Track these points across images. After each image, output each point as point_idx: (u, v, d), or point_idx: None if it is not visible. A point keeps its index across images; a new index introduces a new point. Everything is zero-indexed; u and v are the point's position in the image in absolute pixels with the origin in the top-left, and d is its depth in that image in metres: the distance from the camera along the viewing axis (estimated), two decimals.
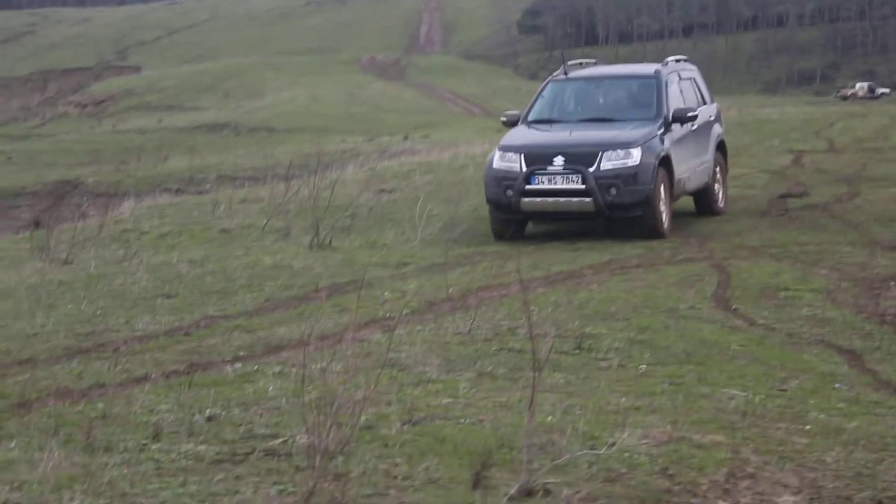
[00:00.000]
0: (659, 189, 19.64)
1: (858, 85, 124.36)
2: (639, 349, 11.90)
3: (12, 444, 8.62)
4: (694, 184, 21.67)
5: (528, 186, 19.63)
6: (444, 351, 11.82)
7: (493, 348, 11.93)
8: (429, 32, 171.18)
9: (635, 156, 19.43)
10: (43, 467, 7.87)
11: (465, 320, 13.18)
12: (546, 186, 19.63)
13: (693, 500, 7.43)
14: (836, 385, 11.20)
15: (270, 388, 10.29)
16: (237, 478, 7.74)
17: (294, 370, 10.72)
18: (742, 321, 13.82)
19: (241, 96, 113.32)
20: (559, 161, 19.54)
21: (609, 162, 19.41)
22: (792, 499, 7.69)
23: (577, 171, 19.39)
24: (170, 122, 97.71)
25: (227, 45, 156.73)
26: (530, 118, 21.59)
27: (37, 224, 32.96)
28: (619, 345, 12.02)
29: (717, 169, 22.81)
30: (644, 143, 19.67)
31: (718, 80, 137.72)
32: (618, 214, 19.70)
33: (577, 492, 7.34)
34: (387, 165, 39.93)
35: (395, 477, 7.70)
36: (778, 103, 79.81)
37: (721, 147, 23.38)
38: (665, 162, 20.01)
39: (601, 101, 21.90)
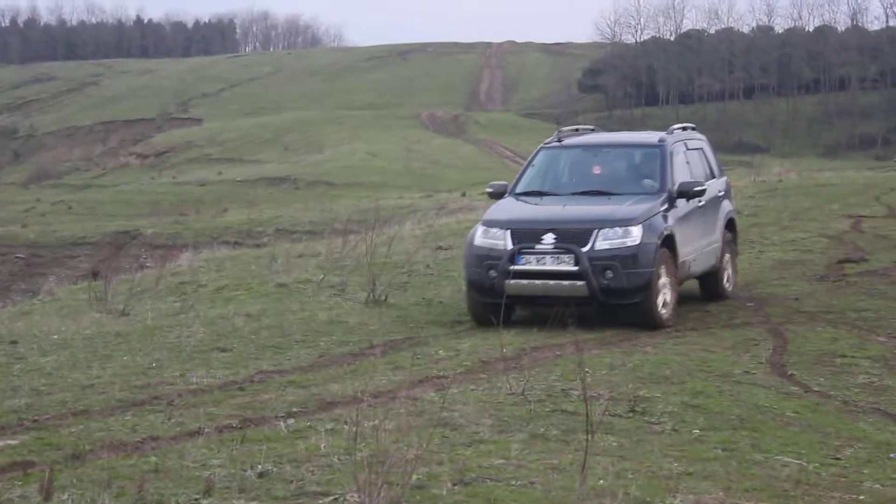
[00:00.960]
0: (661, 273, 17.54)
1: None
2: (692, 414, 11.86)
3: (65, 496, 8.66)
4: (700, 266, 19.59)
5: (513, 267, 17.37)
6: (496, 411, 11.82)
7: (547, 409, 11.91)
8: (489, 89, 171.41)
9: (635, 235, 17.25)
10: None
11: (519, 380, 13.17)
12: (534, 267, 17.36)
13: None
14: (892, 455, 11.11)
15: (322, 445, 10.30)
16: None
17: (347, 427, 10.74)
18: (797, 387, 13.74)
19: (301, 150, 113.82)
20: (549, 239, 17.31)
21: (605, 241, 17.20)
22: None
23: (569, 251, 17.21)
24: (229, 175, 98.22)
25: (288, 98, 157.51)
26: (518, 189, 19.37)
27: (95, 274, 33.15)
28: (672, 409, 11.98)
29: (726, 250, 20.70)
30: (645, 221, 17.46)
31: (779, 142, 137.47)
32: (614, 301, 17.38)
33: None
34: (444, 222, 40.04)
35: None
36: (838, 167, 79.70)
37: (731, 225, 21.21)
38: (668, 242, 17.87)
39: (599, 172, 19.39)
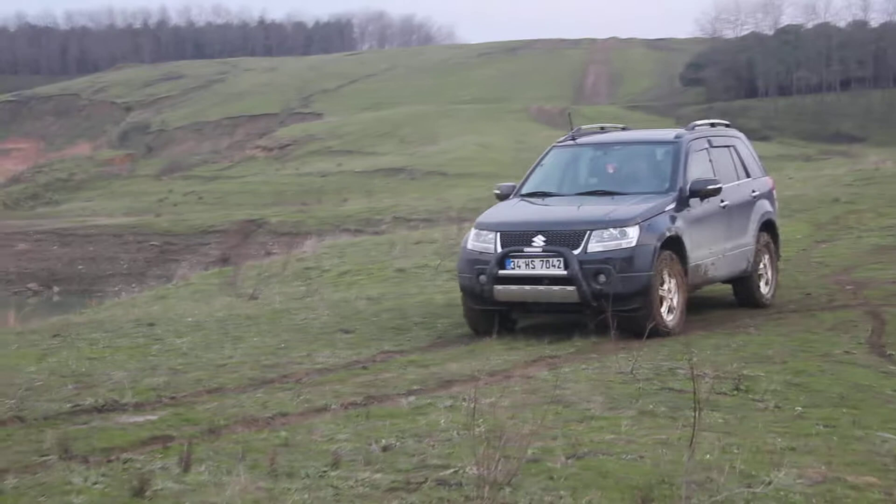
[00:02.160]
0: (662, 277, 15.59)
1: None
2: (795, 392, 11.77)
3: (202, 468, 8.77)
4: (723, 271, 17.44)
5: (501, 271, 15.63)
6: (607, 389, 11.82)
7: (654, 388, 11.89)
8: (595, 83, 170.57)
9: (631, 236, 15.32)
10: (230, 491, 8.01)
11: (628, 360, 13.16)
12: (522, 272, 15.57)
13: None
14: None
15: (442, 421, 10.36)
16: None
17: (465, 404, 10.78)
18: None
19: (417, 142, 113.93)
20: (539, 241, 15.49)
21: (598, 243, 15.32)
22: None
23: (558, 254, 15.33)
24: (349, 166, 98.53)
25: (404, 93, 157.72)
26: (524, 191, 17.60)
27: (225, 260, 33.56)
28: (775, 387, 11.90)
29: (763, 253, 18.49)
30: (644, 221, 15.53)
31: (875, 132, 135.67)
32: (608, 307, 14.86)
33: None
34: None
35: None
36: None
37: (769, 227, 18.86)
38: (674, 244, 15.89)
39: (610, 171, 17.59)
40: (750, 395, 11.54)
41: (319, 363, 14.10)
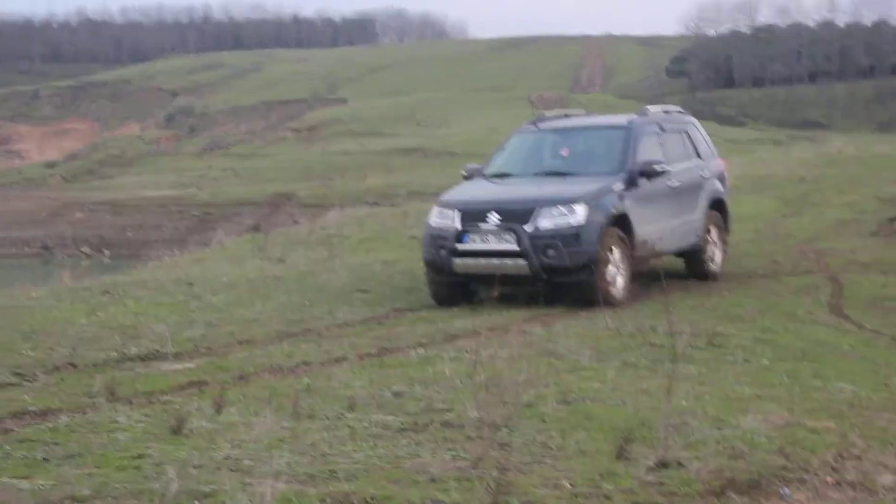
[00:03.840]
0: (608, 251, 15.14)
1: None
2: (762, 347, 11.77)
3: (233, 410, 8.77)
4: (671, 245, 17.08)
5: (460, 246, 15.33)
6: (595, 343, 11.82)
7: (637, 342, 11.90)
8: (590, 74, 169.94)
9: (579, 213, 14.96)
10: (258, 429, 8.01)
11: (614, 318, 13.16)
12: (478, 247, 15.27)
13: (805, 476, 7.33)
14: None
15: (447, 370, 10.35)
16: (418, 444, 7.80)
17: (467, 356, 10.78)
18: (852, 326, 13.62)
19: (431, 125, 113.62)
20: (493, 218, 15.19)
21: (547, 220, 14.97)
22: (892, 477, 7.56)
23: (510, 230, 15.04)
24: (370, 146, 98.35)
25: (420, 82, 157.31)
26: (488, 171, 17.13)
27: (257, 228, 33.50)
28: (744, 343, 11.90)
29: (713, 230, 17.95)
30: (592, 199, 15.18)
31: (839, 120, 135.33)
32: (557, 279, 15.11)
33: (706, 465, 7.29)
34: None
35: (551, 447, 7.70)
36: (890, 141, 78.12)
37: (718, 206, 18.30)
38: (621, 221, 15.50)
39: (566, 154, 17.10)
40: (722, 350, 11.55)
41: (339, 319, 14.12)
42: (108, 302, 16.25)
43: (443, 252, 15.40)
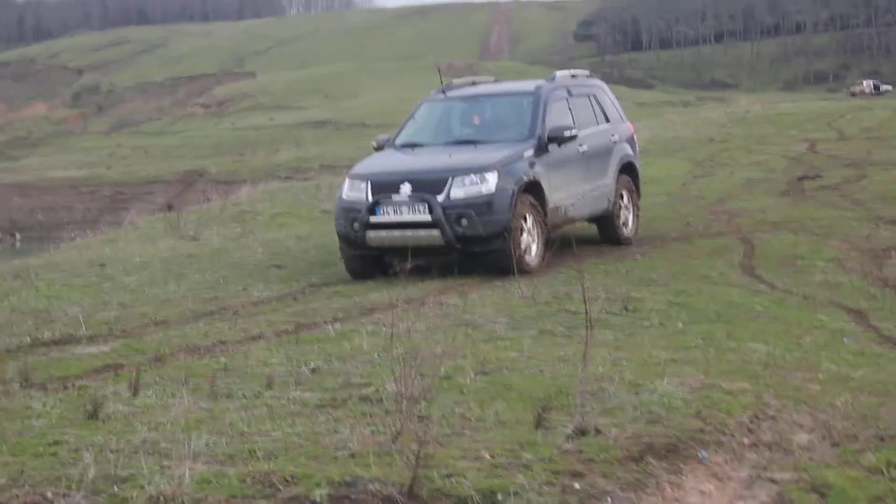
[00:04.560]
0: (521, 219, 14.93)
1: (865, 83, 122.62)
2: (676, 310, 11.87)
3: (149, 392, 8.71)
4: (583, 211, 16.84)
5: (372, 218, 14.97)
6: (510, 312, 11.85)
7: (553, 310, 11.94)
8: (497, 41, 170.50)
9: (490, 182, 14.69)
10: (175, 411, 7.96)
11: (529, 286, 13.20)
12: (391, 218, 14.93)
13: (722, 438, 7.41)
14: (845, 339, 11.17)
15: (364, 345, 10.33)
16: (337, 420, 7.78)
17: (384, 329, 10.78)
18: (764, 286, 13.76)
19: (340, 97, 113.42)
20: (406, 189, 14.86)
21: (460, 189, 14.70)
22: (806, 437, 7.66)
23: (423, 201, 14.72)
24: (280, 120, 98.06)
25: (327, 53, 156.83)
26: (398, 142, 16.80)
27: (169, 207, 33.22)
28: (659, 307, 12.00)
29: (624, 194, 17.80)
30: (503, 167, 14.90)
31: (745, 79, 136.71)
32: (471, 248, 14.86)
33: (623, 432, 7.34)
34: None
35: (470, 419, 7.72)
36: (796, 99, 79.21)
37: (628, 170, 18.04)
38: (533, 188, 15.26)
39: (476, 122, 16.90)
40: (637, 315, 11.64)
41: (254, 296, 14.05)
42: (20, 286, 16.05)
43: (355, 225, 15.03)
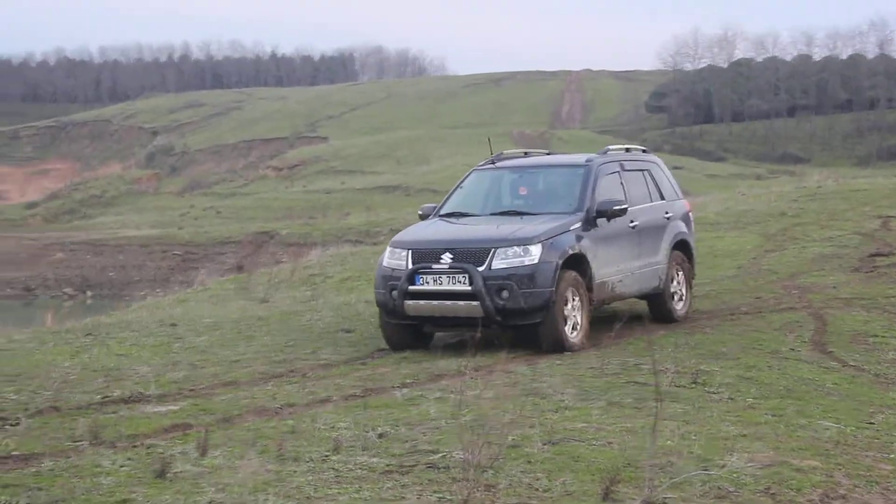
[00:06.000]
0: (565, 293, 14.52)
1: None
2: (746, 385, 11.78)
3: (217, 453, 8.75)
4: (632, 288, 16.42)
5: (411, 287, 14.62)
6: (579, 382, 11.82)
7: (621, 381, 11.89)
8: (570, 110, 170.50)
9: (534, 254, 14.33)
10: (242, 473, 7.99)
11: (598, 357, 13.16)
12: (431, 287, 14.55)
13: None
14: None
15: (432, 411, 10.34)
16: (403, 486, 7.79)
17: (452, 396, 10.79)
18: (836, 363, 13.61)
19: (411, 163, 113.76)
20: (447, 258, 14.52)
21: (502, 260, 14.33)
22: None
23: (463, 271, 14.33)
24: (351, 184, 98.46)
25: (399, 119, 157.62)
26: (443, 211, 16.54)
27: (240, 268, 33.42)
28: (728, 380, 11.91)
29: (677, 272, 17.45)
30: (547, 240, 14.53)
31: (818, 154, 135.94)
32: (512, 321, 14.45)
33: None
34: None
35: (537, 489, 7.70)
36: (870, 175, 78.61)
37: (682, 247, 17.75)
38: (578, 262, 14.91)
39: (524, 193, 16.60)
40: (706, 388, 11.55)
41: (323, 359, 14.12)
42: (92, 344, 16.21)
43: (394, 293, 14.71)
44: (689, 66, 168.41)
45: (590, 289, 15.04)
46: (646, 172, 17.56)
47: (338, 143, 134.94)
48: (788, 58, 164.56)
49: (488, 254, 14.38)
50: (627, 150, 17.74)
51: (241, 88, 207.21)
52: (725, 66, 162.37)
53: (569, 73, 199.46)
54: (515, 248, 14.37)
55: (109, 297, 51.89)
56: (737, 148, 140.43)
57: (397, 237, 15.67)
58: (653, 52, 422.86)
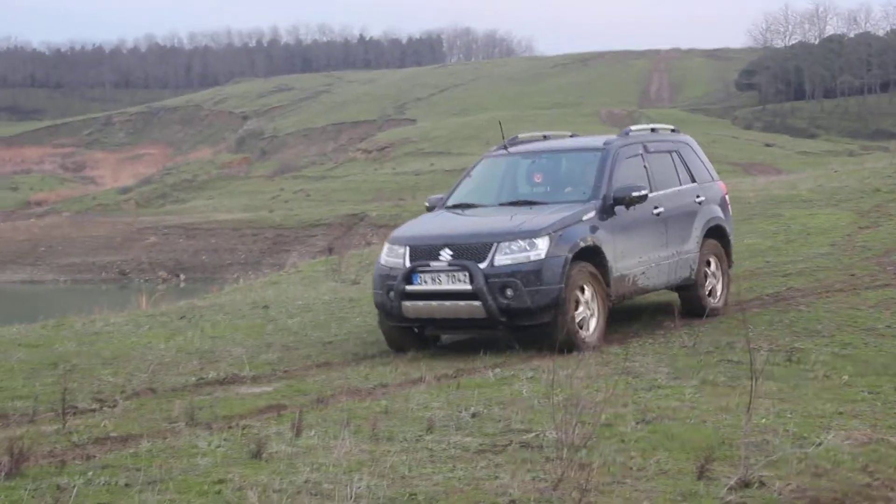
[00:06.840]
0: (577, 290, 13.21)
1: None
2: (842, 362, 11.65)
3: (312, 433, 8.80)
4: (657, 280, 14.86)
5: (409, 287, 13.30)
6: (671, 361, 11.77)
7: (715, 360, 11.82)
8: (658, 89, 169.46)
9: (541, 247, 12.94)
10: (337, 453, 8.03)
11: (690, 336, 13.08)
12: (428, 287, 13.23)
13: (890, 494, 7.24)
14: None
15: (524, 391, 10.34)
16: (497, 465, 7.78)
17: (544, 376, 10.77)
18: None
19: (500, 143, 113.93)
20: (446, 255, 13.16)
21: (505, 256, 12.95)
22: None
23: (463, 268, 12.96)
24: (439, 166, 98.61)
25: (487, 100, 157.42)
26: (450, 202, 15.15)
27: (330, 250, 33.58)
28: (824, 358, 11.79)
29: (711, 260, 16.01)
30: (556, 232, 13.13)
31: None
32: (518, 322, 13.10)
33: (788, 485, 7.21)
34: None
35: (631, 468, 7.66)
36: None
37: (717, 234, 16.21)
38: (591, 254, 13.52)
39: (539, 180, 15.12)
40: (801, 366, 11.45)
41: None
42: (186, 326, 16.39)
43: (391, 294, 13.41)
44: (779, 43, 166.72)
45: (608, 283, 13.77)
46: (674, 154, 16.13)
47: (426, 125, 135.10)
48: (881, 33, 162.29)
49: (490, 249, 13.07)
50: (653, 129, 16.34)
51: (330, 72, 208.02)
52: (817, 42, 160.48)
53: (657, 52, 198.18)
54: (520, 241, 13.06)
55: (202, 281, 52.47)
56: (829, 124, 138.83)
57: (396, 232, 14.46)
58: (743, 30, 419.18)
